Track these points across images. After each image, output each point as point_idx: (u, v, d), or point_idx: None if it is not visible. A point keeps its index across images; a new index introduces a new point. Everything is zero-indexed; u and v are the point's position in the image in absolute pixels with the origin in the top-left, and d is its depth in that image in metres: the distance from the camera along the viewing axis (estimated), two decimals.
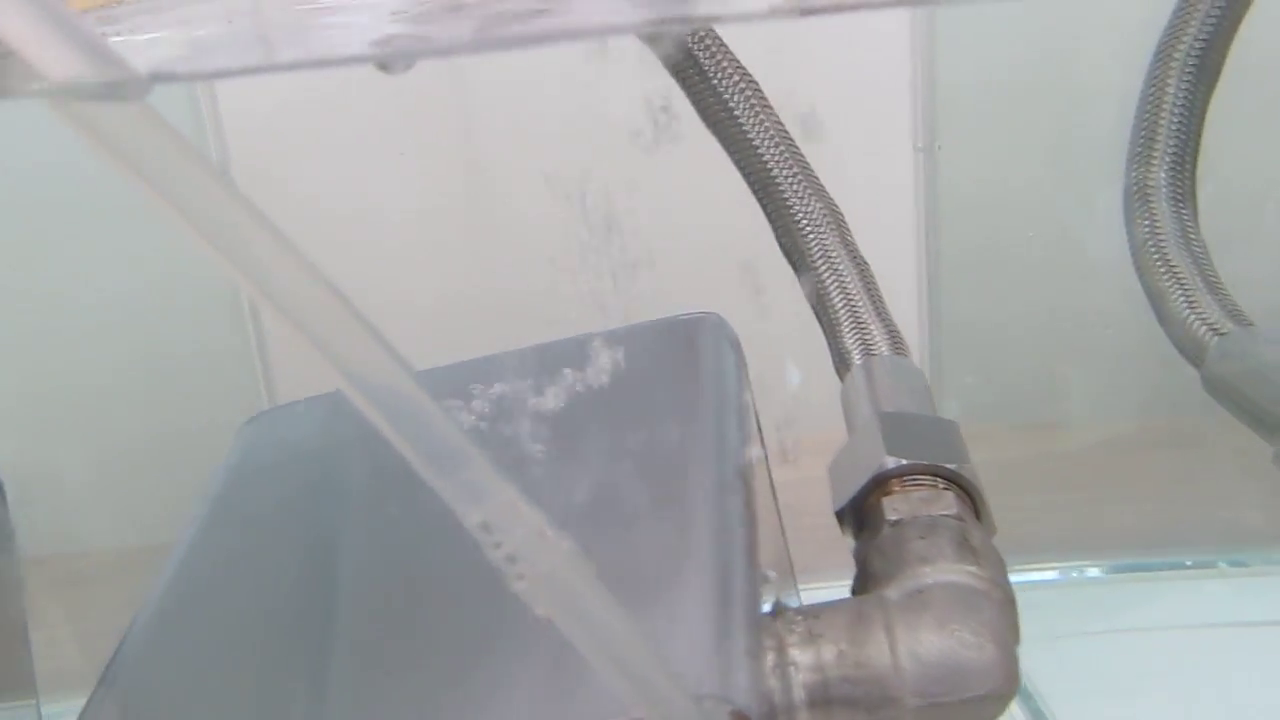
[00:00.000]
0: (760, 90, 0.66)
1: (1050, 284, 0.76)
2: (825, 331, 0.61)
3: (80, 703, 0.72)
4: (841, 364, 0.58)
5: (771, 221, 0.66)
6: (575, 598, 0.25)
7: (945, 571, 0.41)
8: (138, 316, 0.76)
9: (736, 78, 0.66)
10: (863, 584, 0.43)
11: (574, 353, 0.47)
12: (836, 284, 0.62)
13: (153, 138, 0.22)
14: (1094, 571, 0.76)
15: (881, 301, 0.61)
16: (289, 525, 0.43)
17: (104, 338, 0.75)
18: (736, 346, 0.48)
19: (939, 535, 0.42)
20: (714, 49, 0.66)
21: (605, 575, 0.32)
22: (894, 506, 0.45)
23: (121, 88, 0.22)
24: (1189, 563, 0.76)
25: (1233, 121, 0.63)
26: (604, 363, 0.45)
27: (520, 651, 0.36)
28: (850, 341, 0.58)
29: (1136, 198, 0.62)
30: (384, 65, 0.26)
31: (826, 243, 0.63)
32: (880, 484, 0.47)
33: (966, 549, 0.42)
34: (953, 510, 0.44)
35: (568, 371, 0.45)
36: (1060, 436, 0.82)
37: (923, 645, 0.39)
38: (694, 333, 0.47)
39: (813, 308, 0.63)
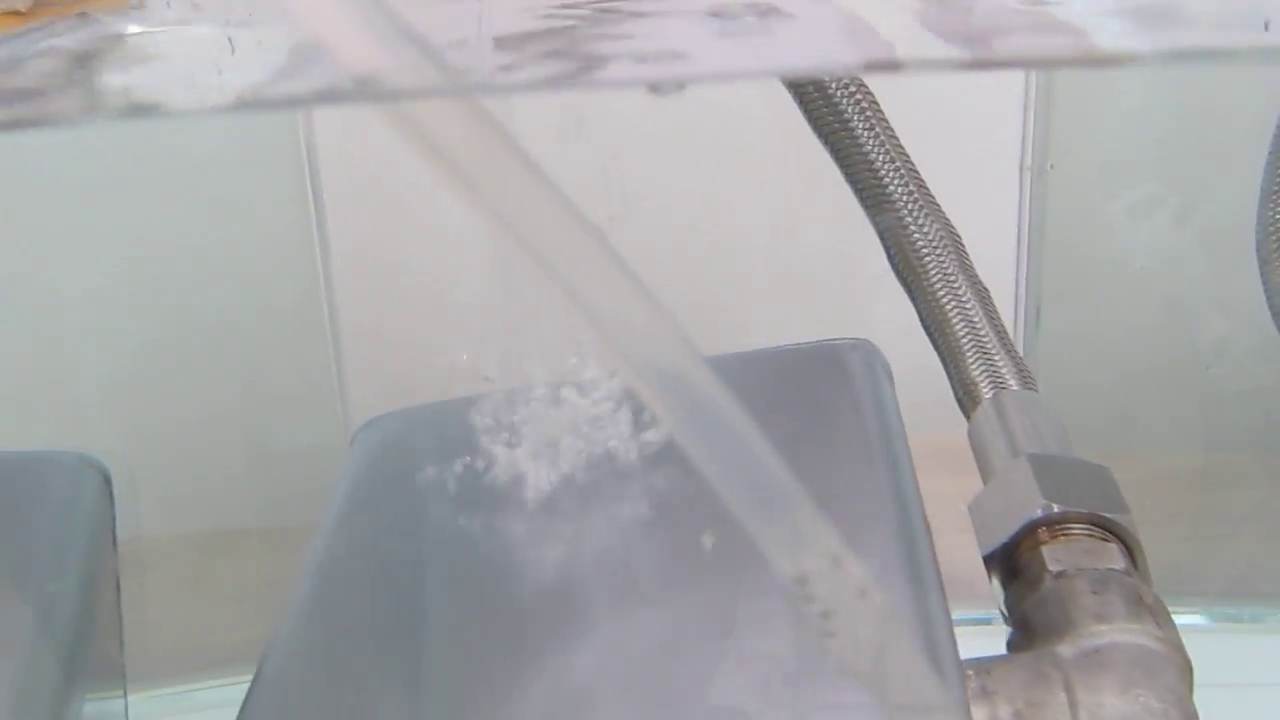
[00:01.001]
0: (876, 101, 0.65)
1: (1155, 320, 0.75)
2: (945, 361, 0.60)
3: (160, 693, 0.72)
4: (967, 397, 0.57)
5: (884, 241, 0.64)
6: (887, 661, 0.24)
7: (1123, 631, 0.40)
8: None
9: (852, 86, 0.65)
10: (1025, 638, 0.42)
11: (721, 372, 0.46)
12: (958, 311, 0.60)
13: (476, 137, 0.21)
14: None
15: (1005, 331, 0.60)
16: (428, 531, 0.43)
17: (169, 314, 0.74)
18: (890, 375, 0.47)
19: (1111, 591, 0.41)
20: None
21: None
22: (1055, 557, 0.44)
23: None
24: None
25: None
26: (758, 386, 0.44)
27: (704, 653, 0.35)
28: (977, 373, 0.57)
29: (1274, 239, 0.61)
30: (654, 87, 0.25)
31: (946, 267, 0.62)
32: (1033, 531, 0.46)
33: (1142, 607, 0.41)
34: (1120, 565, 0.43)
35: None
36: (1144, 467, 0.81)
37: (1105, 709, 0.38)
38: (847, 359, 0.46)
39: (929, 335, 0.61)
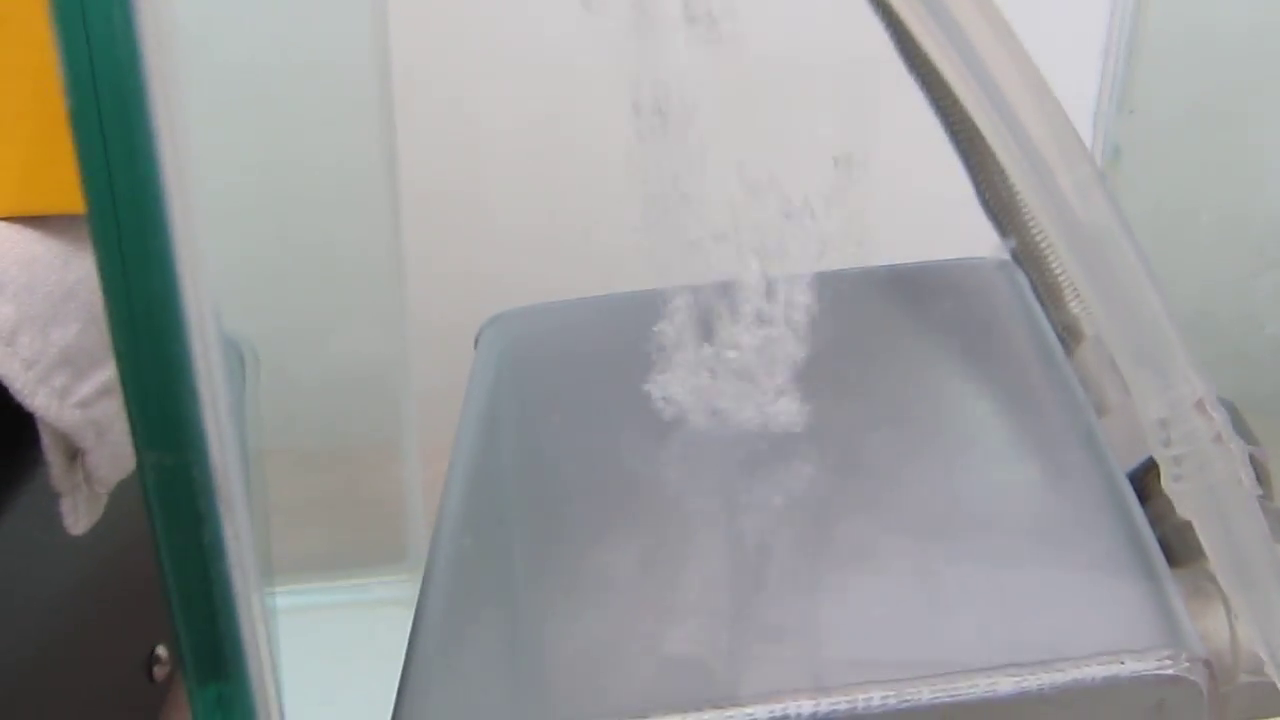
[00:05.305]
0: None
1: (1212, 280, 0.79)
2: (1042, 298, 0.63)
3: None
4: (1069, 334, 0.61)
5: (973, 177, 0.68)
6: (1227, 510, 0.27)
7: None
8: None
9: None
10: (1169, 554, 0.47)
11: (859, 285, 0.49)
12: (1053, 248, 0.64)
13: None
14: None
15: None
16: (574, 425, 0.46)
17: None
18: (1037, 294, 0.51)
19: None
20: None
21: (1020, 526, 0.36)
22: None
23: None
24: None
25: None
26: (909, 300, 0.47)
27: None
28: (1077, 310, 0.61)
29: None
30: None
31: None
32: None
33: None
34: (1259, 493, 0.47)
35: (860, 304, 0.47)
36: None
37: None
38: (988, 277, 0.50)
39: (1025, 270, 0.65)
